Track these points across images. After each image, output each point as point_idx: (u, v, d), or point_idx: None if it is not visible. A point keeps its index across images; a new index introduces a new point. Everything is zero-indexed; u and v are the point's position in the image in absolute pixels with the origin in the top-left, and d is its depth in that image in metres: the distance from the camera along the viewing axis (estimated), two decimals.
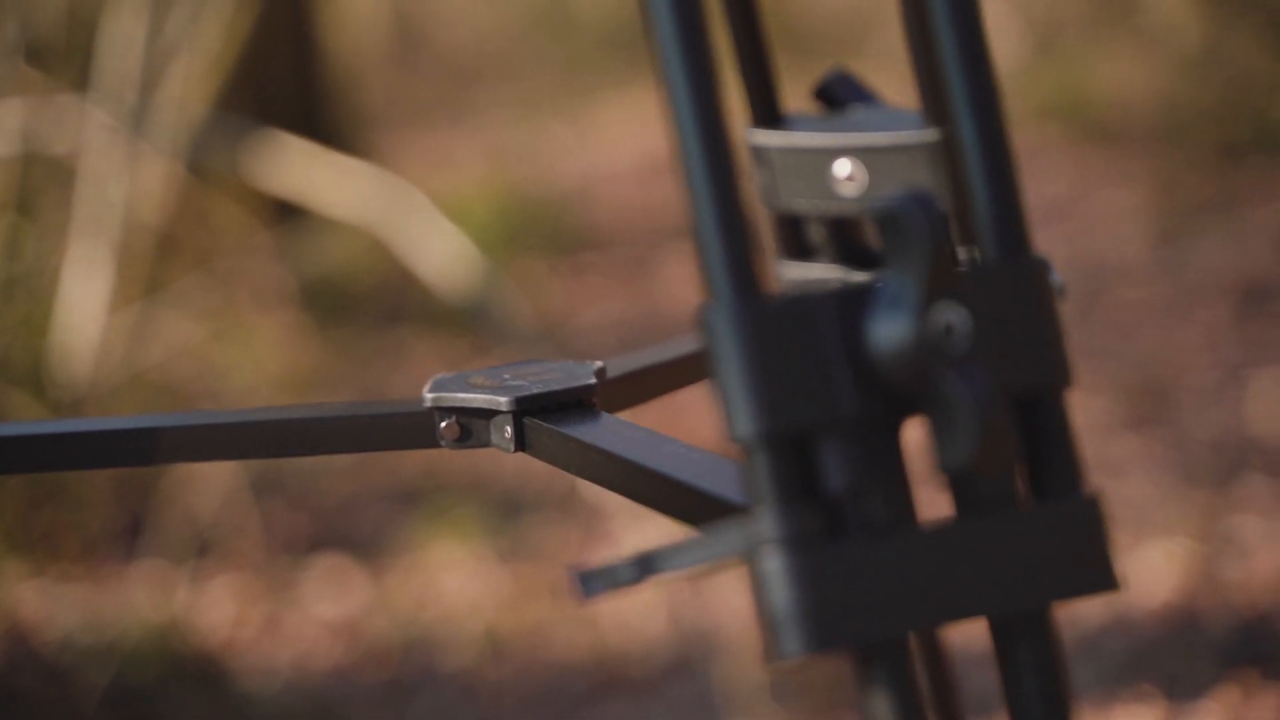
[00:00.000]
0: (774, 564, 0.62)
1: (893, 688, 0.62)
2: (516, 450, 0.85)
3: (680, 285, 3.35)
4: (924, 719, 0.61)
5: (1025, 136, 3.77)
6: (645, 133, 4.07)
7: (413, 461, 2.64)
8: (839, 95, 0.99)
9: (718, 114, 0.62)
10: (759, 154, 1.00)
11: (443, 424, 0.87)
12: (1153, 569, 2.28)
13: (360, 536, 2.53)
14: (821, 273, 0.99)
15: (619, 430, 0.80)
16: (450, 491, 2.59)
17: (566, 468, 0.81)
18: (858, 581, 0.62)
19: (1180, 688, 2.06)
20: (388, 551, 2.48)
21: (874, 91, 1.01)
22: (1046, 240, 3.29)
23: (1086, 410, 2.63)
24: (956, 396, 0.61)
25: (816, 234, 1.00)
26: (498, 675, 2.23)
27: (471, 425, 0.86)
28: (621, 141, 4.04)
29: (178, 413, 0.86)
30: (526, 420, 0.84)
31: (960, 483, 0.64)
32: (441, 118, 4.19)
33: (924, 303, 0.61)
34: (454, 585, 2.39)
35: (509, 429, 0.85)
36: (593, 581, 0.64)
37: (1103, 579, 0.64)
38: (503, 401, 0.85)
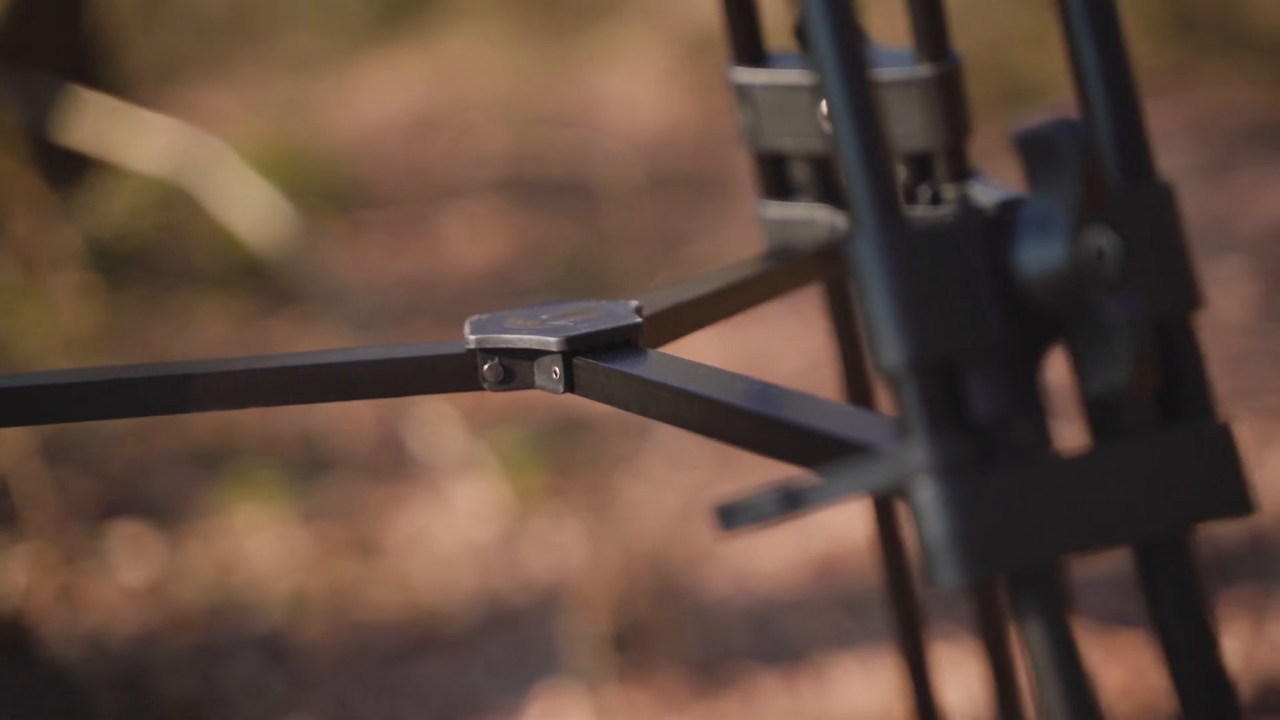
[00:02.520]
0: (929, 493, 0.62)
1: (1047, 613, 0.62)
2: (565, 391, 0.84)
3: (461, 244, 3.32)
4: (1076, 644, 0.62)
5: None
6: (411, 90, 4.03)
7: (203, 423, 2.59)
8: None
9: (856, 43, 0.62)
10: (743, 92, 0.99)
11: (485, 366, 0.85)
12: None
13: (157, 501, 2.48)
14: (804, 212, 0.99)
15: (675, 366, 0.80)
16: (247, 454, 2.55)
17: (626, 406, 0.81)
18: (1008, 509, 0.62)
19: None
20: (186, 516, 2.43)
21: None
22: None
23: None
24: (1113, 321, 0.61)
25: (800, 173, 1.00)
26: (308, 637, 2.20)
27: (515, 367, 0.85)
28: (387, 99, 3.99)
29: (209, 359, 0.83)
30: (577, 360, 0.83)
31: (1100, 409, 0.64)
32: (197, 74, 4.10)
33: (1076, 226, 0.61)
34: (257, 548, 2.35)
35: (557, 369, 0.84)
36: (735, 516, 0.63)
37: (1239, 502, 0.64)
38: (552, 341, 0.84)
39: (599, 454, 2.52)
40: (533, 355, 0.85)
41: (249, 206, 2.45)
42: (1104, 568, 2.19)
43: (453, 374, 0.84)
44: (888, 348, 0.61)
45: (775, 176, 1.01)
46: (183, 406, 0.82)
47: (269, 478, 2.47)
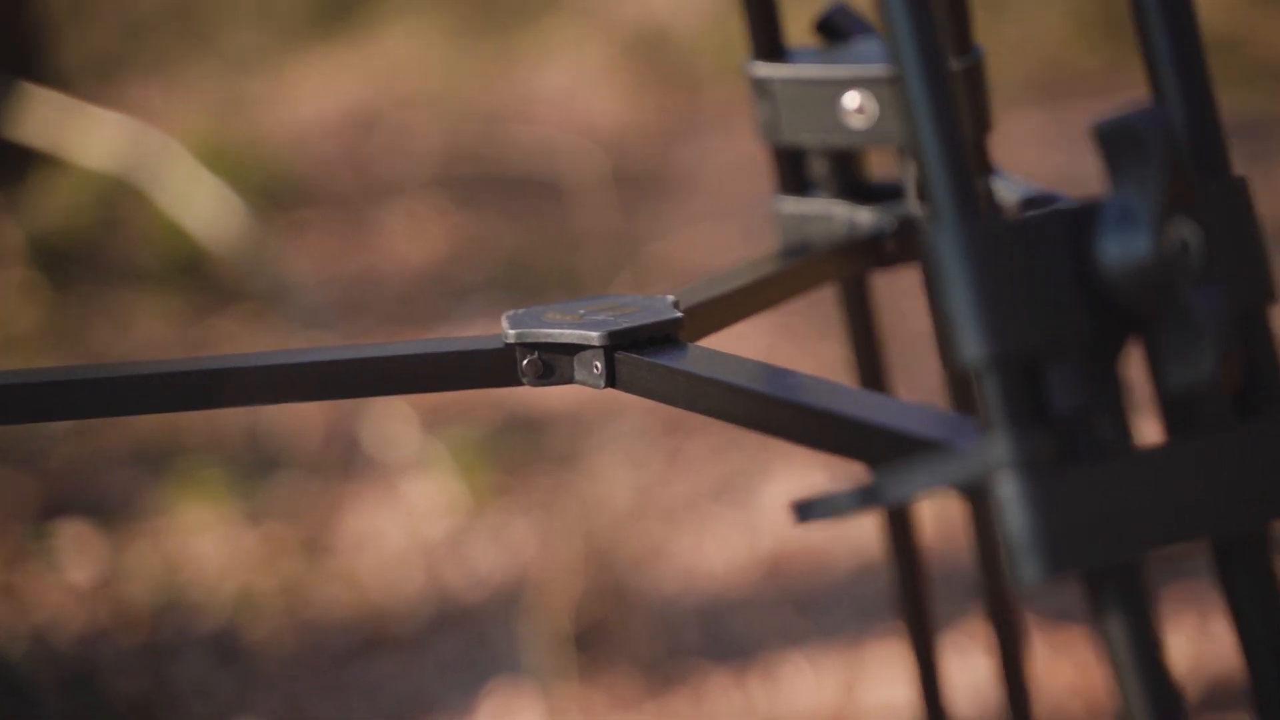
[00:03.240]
0: (1011, 489, 0.61)
1: (1129, 610, 0.61)
2: (606, 386, 0.83)
3: (401, 242, 3.30)
4: (1160, 640, 0.61)
5: (726, 91, 3.80)
6: (348, 88, 4.00)
7: (148, 422, 2.57)
8: (841, 27, 0.99)
9: (934, 34, 0.61)
10: (761, 87, 0.98)
11: (524, 361, 0.84)
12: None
13: (101, 501, 2.45)
14: (822, 208, 0.99)
15: (720, 360, 0.79)
16: (190, 453, 2.52)
17: (670, 401, 0.80)
18: (1090, 504, 0.62)
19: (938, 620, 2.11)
20: (132, 515, 2.41)
21: (873, 23, 1.00)
22: (757, 192, 3.33)
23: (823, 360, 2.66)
24: (1197, 315, 0.61)
25: (819, 168, 1.00)
26: (256, 636, 2.18)
27: (554, 362, 0.84)
28: (324, 97, 3.97)
29: (246, 354, 0.81)
30: (619, 355, 0.83)
31: (1179, 404, 0.64)
32: (133, 72, 4.06)
33: (1160, 219, 0.61)
34: (205, 547, 2.33)
35: (599, 364, 0.84)
36: (812, 510, 0.62)
37: None
38: (594, 336, 0.84)
39: (549, 452, 2.51)
40: (573, 350, 0.85)
41: (197, 202, 2.43)
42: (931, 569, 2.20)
43: (491, 369, 0.83)
44: (969, 341, 0.61)
45: (792, 172, 1.00)
46: (215, 402, 0.81)
47: (216, 476, 2.45)
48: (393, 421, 2.47)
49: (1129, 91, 3.65)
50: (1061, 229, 0.62)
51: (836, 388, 0.73)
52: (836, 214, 1.00)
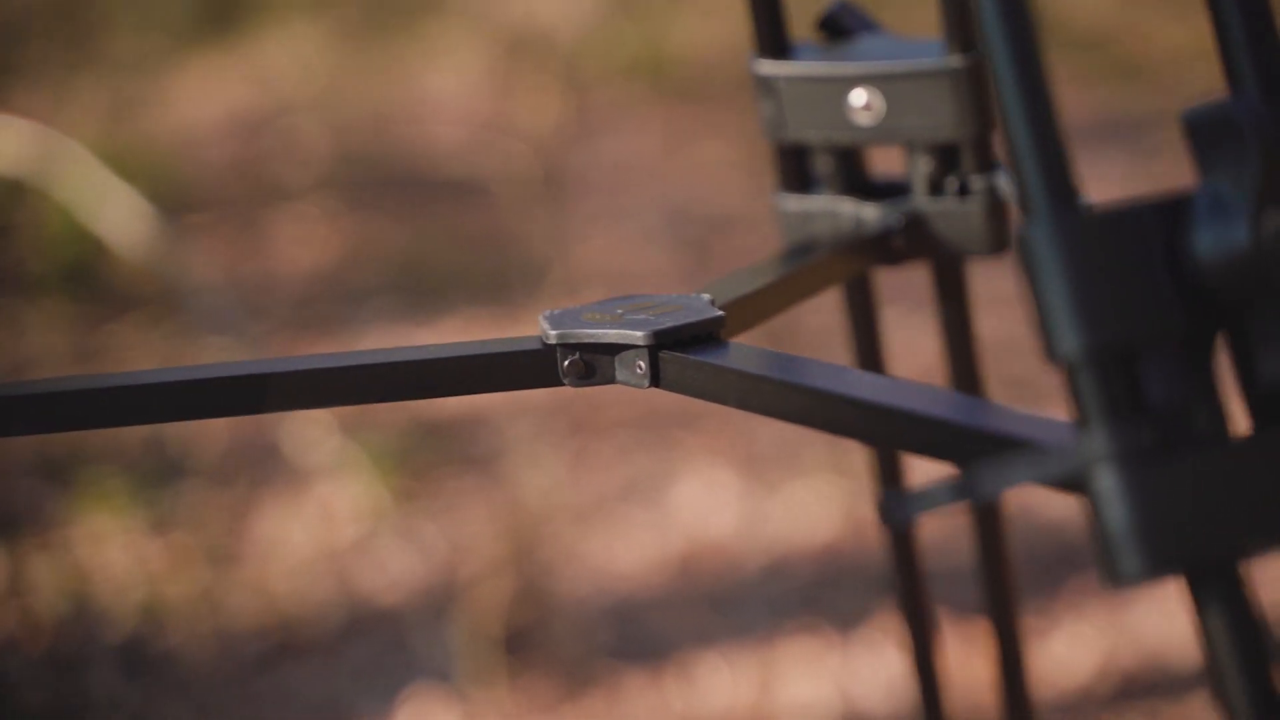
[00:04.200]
0: (1110, 482, 0.61)
1: (1230, 604, 0.61)
2: (651, 385, 0.83)
3: (295, 246, 3.27)
4: (1264, 637, 0.61)
5: (614, 93, 3.79)
6: (232, 93, 3.96)
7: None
8: (845, 24, 0.99)
9: (1027, 27, 0.61)
10: (766, 84, 0.98)
11: (566, 361, 0.84)
12: (808, 509, 2.34)
13: (2, 513, 2.42)
14: (827, 205, 0.99)
15: (768, 358, 0.79)
16: (99, 462, 2.49)
17: (721, 400, 0.80)
18: (1190, 499, 0.62)
19: (841, 616, 2.12)
20: (35, 527, 2.37)
21: (877, 20, 1.01)
22: (653, 192, 3.33)
23: None
24: None
25: (823, 165, 1.00)
26: (165, 646, 2.16)
27: (596, 362, 0.83)
28: (209, 102, 3.93)
29: (284, 358, 0.80)
30: (663, 354, 0.82)
31: (1272, 395, 0.64)
32: (12, 78, 4.00)
33: (1258, 209, 0.61)
34: (113, 557, 2.30)
35: (643, 364, 0.83)
36: (905, 505, 0.62)
37: None
38: (638, 336, 0.83)
39: (458, 456, 2.50)
40: (615, 350, 0.84)
41: (102, 205, 2.40)
42: (964, 557, 2.21)
43: (532, 370, 0.83)
44: (1064, 335, 0.61)
45: (796, 169, 1.00)
46: (259, 407, 0.80)
47: (121, 486, 2.42)
48: (304, 425, 2.45)
49: None
50: (1151, 220, 0.62)
51: (902, 384, 0.73)
52: (843, 210, 1.00)
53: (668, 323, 0.84)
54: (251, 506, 2.41)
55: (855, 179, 1.01)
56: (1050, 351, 0.61)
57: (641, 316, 0.85)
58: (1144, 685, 2.03)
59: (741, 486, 2.40)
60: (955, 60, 0.96)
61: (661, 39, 4.04)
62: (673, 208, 3.31)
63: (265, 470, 2.46)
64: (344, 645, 2.17)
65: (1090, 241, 0.61)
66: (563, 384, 0.84)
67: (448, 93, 3.94)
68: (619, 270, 3.04)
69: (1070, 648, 2.05)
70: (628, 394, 2.61)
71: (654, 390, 2.65)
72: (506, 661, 2.08)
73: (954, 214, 0.97)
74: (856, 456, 2.42)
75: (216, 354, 2.70)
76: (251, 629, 2.19)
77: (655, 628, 2.16)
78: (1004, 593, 1.07)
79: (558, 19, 4.17)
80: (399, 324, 2.91)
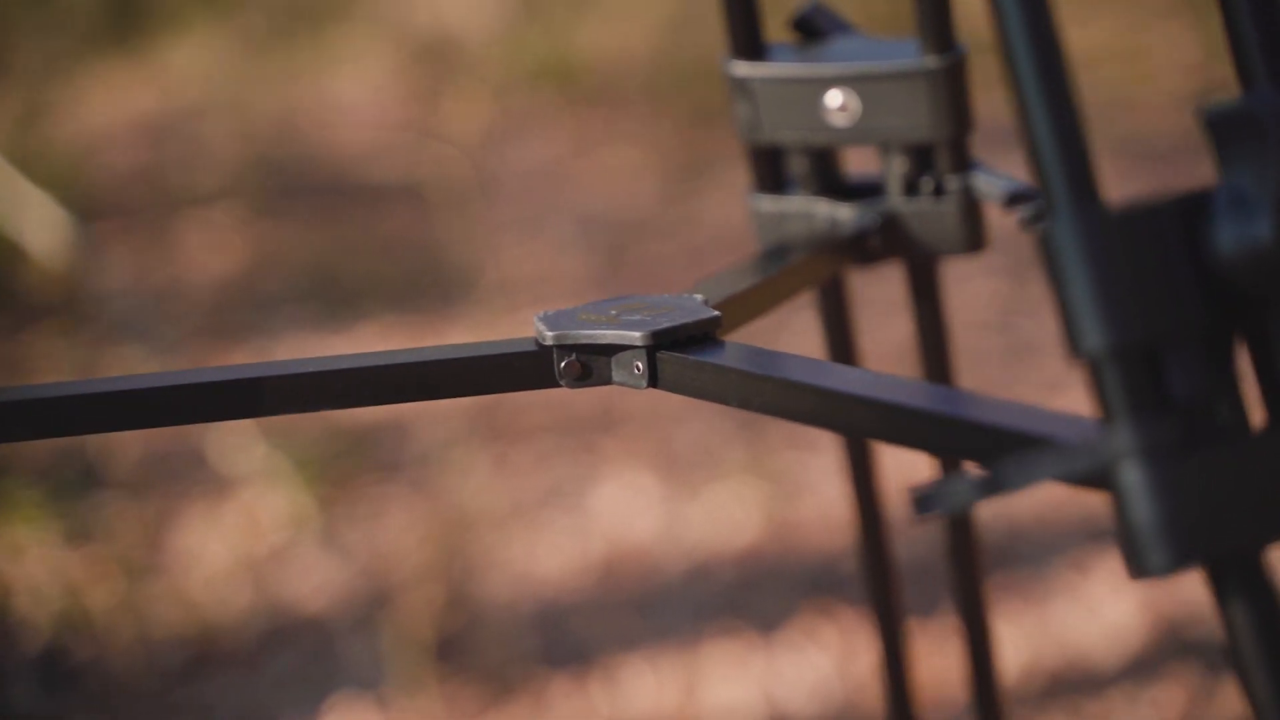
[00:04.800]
0: (1136, 477, 0.61)
1: (1254, 595, 0.62)
2: (649, 386, 0.83)
3: (204, 253, 3.25)
4: None
5: (521, 99, 3.79)
6: (139, 99, 3.93)
7: None
8: (818, 26, 0.99)
9: (1050, 26, 0.62)
10: (740, 86, 0.99)
11: (562, 363, 0.84)
12: (729, 511, 2.34)
13: None
14: (802, 206, 0.99)
15: (763, 357, 0.79)
16: (15, 473, 2.46)
17: (721, 399, 0.80)
18: (1213, 492, 0.62)
19: (764, 619, 2.13)
20: None
21: (850, 22, 1.01)
22: (564, 199, 3.33)
23: None
24: None
25: (798, 166, 1.00)
26: (84, 657, 2.13)
27: (592, 363, 0.83)
28: (116, 109, 3.89)
29: (279, 361, 0.79)
30: (661, 354, 0.82)
31: None
32: None
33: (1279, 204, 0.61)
34: (30, 567, 2.27)
35: (640, 364, 0.83)
36: (932, 501, 0.62)
37: None
38: (636, 336, 0.83)
39: (377, 463, 2.49)
40: (612, 351, 0.84)
41: (16, 212, 2.37)
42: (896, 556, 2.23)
43: (529, 372, 0.82)
44: (1087, 331, 0.61)
45: (770, 171, 1.01)
46: (255, 411, 0.80)
47: (36, 497, 2.39)
48: (226, 434, 2.43)
49: None
50: (1172, 217, 0.62)
51: (913, 383, 0.73)
52: (818, 211, 1.00)
53: (665, 323, 0.84)
54: (172, 516, 2.39)
55: (830, 180, 1.02)
56: (1074, 348, 0.62)
57: (637, 317, 0.85)
58: (1068, 684, 2.04)
59: (662, 490, 2.40)
60: (932, 61, 0.96)
61: (567, 44, 4.04)
62: (585, 214, 3.31)
63: (186, 479, 2.44)
64: (266, 654, 2.15)
65: (1113, 239, 0.62)
66: (559, 385, 0.83)
67: (355, 99, 3.92)
68: (534, 277, 3.04)
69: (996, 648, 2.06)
70: (546, 398, 2.60)
71: (573, 396, 2.66)
72: (431, 668, 2.07)
73: (929, 214, 0.98)
74: (775, 459, 2.43)
75: (132, 363, 2.68)
76: (172, 639, 2.17)
77: (579, 632, 2.16)
78: (975, 592, 1.08)
79: (463, 25, 4.16)
80: (314, 332, 2.89)
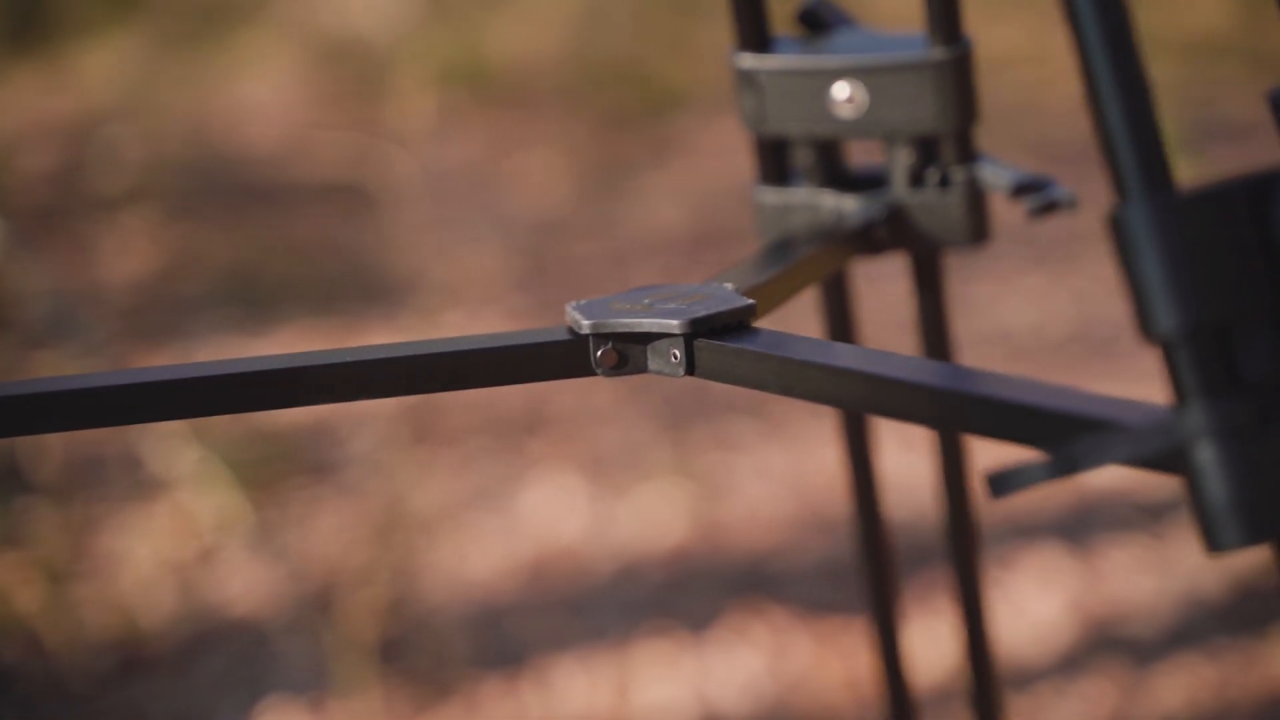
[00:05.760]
0: (1210, 456, 0.62)
1: None
2: (685, 374, 0.83)
3: (117, 257, 3.22)
4: None
5: (434, 102, 3.78)
6: (48, 103, 3.89)
7: None
8: (823, 19, 0.99)
9: (1123, 11, 0.62)
10: (747, 78, 0.99)
11: (599, 351, 0.84)
12: (656, 512, 2.35)
13: None
14: (806, 198, 1.00)
15: (800, 343, 0.79)
16: None
17: (761, 386, 0.80)
18: None
19: (694, 618, 2.13)
20: None
21: (853, 15, 1.02)
22: (482, 200, 3.32)
23: None
24: None
25: (803, 158, 1.00)
26: (10, 660, 2.11)
27: (628, 351, 0.83)
28: (23, 111, 3.86)
29: (315, 351, 0.79)
30: (698, 342, 0.82)
31: None
32: None
33: None
34: None
35: (678, 352, 0.83)
36: (1006, 482, 0.63)
37: None
38: (674, 324, 0.83)
39: (303, 466, 2.48)
40: (647, 339, 0.84)
41: None
42: (812, 556, 2.24)
43: (565, 360, 0.83)
44: (1160, 313, 0.62)
45: (775, 162, 1.01)
46: (292, 401, 0.79)
47: None
48: (155, 438, 2.41)
49: None
50: (1242, 198, 0.63)
51: (961, 369, 0.73)
52: (823, 203, 1.01)
53: (701, 311, 0.84)
54: (103, 519, 2.37)
55: (834, 171, 1.02)
56: (1145, 330, 0.63)
57: (672, 305, 0.85)
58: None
59: (589, 491, 2.40)
60: (939, 53, 0.97)
61: (477, 46, 4.04)
62: (504, 216, 3.30)
63: (115, 482, 2.42)
64: (196, 658, 2.14)
65: (1184, 221, 0.63)
66: (594, 374, 0.84)
67: (266, 101, 3.90)
68: (456, 279, 3.03)
69: (925, 645, 2.07)
70: (471, 401, 2.60)
71: (499, 399, 2.64)
72: (364, 671, 2.06)
73: (934, 205, 0.99)
74: (701, 460, 2.43)
75: (56, 366, 2.65)
76: (102, 642, 2.15)
77: (510, 634, 2.16)
78: (973, 584, 1.08)
79: (373, 26, 4.15)
80: (235, 334, 2.88)
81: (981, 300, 2.84)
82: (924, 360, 0.75)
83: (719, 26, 3.93)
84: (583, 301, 0.86)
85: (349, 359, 0.81)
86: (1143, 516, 2.27)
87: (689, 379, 0.82)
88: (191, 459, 2.38)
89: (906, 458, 2.40)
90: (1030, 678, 2.04)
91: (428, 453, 2.50)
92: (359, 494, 2.41)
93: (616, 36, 4.01)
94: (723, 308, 0.84)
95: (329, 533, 2.32)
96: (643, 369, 0.85)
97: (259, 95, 3.92)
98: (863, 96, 0.98)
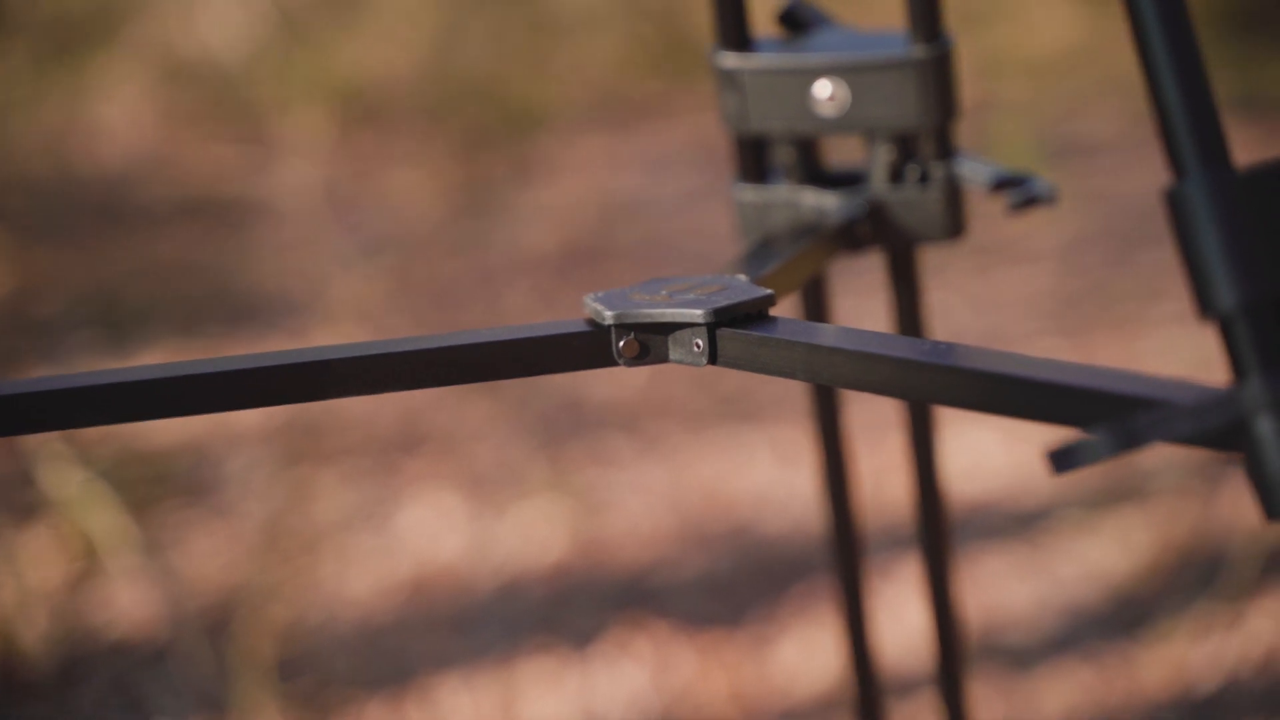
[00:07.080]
0: (1270, 428, 0.63)
1: None
2: (708, 363, 0.83)
3: (70, 266, 3.17)
4: None
5: (292, 121, 3.75)
6: None
7: None
8: (802, 19, 1.00)
9: None
10: (729, 77, 0.99)
11: (620, 342, 0.84)
12: (536, 529, 2.35)
13: None
14: (787, 195, 1.00)
15: (824, 331, 0.80)
16: None
17: (787, 373, 0.81)
18: None
19: (577, 634, 2.14)
20: None
21: (832, 15, 1.03)
22: (345, 219, 3.30)
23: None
24: None
25: (784, 156, 1.01)
26: None
27: (650, 342, 0.84)
28: None
29: (342, 344, 0.78)
30: (721, 331, 0.83)
31: None
32: None
33: None
34: None
35: (700, 342, 0.83)
36: (1069, 457, 0.63)
37: None
38: (698, 314, 0.84)
39: (176, 487, 2.45)
40: (669, 329, 0.85)
41: None
42: (692, 570, 2.24)
43: (586, 351, 0.83)
44: (1218, 290, 0.63)
45: (755, 161, 1.02)
46: (320, 394, 0.78)
47: None
48: (35, 458, 2.37)
49: (690, 115, 3.75)
50: None
51: (983, 350, 0.74)
52: (804, 201, 1.01)
53: (722, 301, 0.85)
54: (33, 524, 2.33)
55: (814, 169, 1.03)
56: (1204, 306, 0.64)
57: (692, 296, 0.86)
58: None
59: (468, 509, 2.39)
60: (920, 51, 0.98)
61: (333, 66, 4.01)
62: (368, 235, 3.28)
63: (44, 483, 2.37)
64: (71, 682, 2.11)
65: (1242, 198, 0.64)
66: (616, 364, 0.84)
67: (120, 122, 3.85)
68: (323, 298, 3.01)
69: (804, 655, 2.09)
70: (345, 420, 2.58)
71: (375, 416, 2.61)
72: (242, 694, 2.04)
73: (914, 202, 1.00)
74: (578, 476, 2.43)
75: None
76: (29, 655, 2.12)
77: (393, 653, 2.14)
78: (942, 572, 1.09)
79: (227, 47, 4.11)
80: (99, 357, 2.84)
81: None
82: (956, 345, 0.76)
83: (578, 46, 3.95)
84: (601, 293, 0.87)
85: (375, 351, 0.81)
86: (1016, 525, 2.30)
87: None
88: (69, 479, 2.34)
89: (783, 472, 2.42)
90: (910, 685, 2.05)
91: (304, 473, 2.48)
92: (236, 515, 2.38)
93: (475, 56, 4.00)
94: (744, 297, 0.85)
95: (206, 555, 2.30)
96: (664, 359, 0.85)
97: (113, 116, 3.88)
98: (844, 94, 0.99)
